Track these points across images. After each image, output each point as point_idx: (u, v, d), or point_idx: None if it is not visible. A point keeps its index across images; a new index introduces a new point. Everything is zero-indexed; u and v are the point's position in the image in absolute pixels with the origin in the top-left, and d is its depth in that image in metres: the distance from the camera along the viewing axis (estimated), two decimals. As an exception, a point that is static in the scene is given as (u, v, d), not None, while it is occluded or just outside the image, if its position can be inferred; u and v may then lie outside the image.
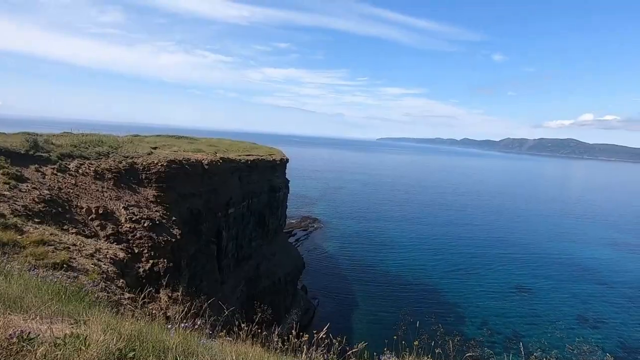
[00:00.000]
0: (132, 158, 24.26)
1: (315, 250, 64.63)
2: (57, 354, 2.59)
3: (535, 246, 73.85)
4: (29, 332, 2.80)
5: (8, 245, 7.82)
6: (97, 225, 18.33)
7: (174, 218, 23.99)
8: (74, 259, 9.59)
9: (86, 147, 23.03)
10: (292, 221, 75.10)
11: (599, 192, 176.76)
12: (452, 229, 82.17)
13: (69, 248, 10.27)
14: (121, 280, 10.63)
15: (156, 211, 23.03)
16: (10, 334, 2.62)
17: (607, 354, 6.79)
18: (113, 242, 16.98)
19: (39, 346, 2.70)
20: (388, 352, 4.76)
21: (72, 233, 14.35)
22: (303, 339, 4.65)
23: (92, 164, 21.47)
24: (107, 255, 11.16)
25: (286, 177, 45.56)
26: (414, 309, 42.49)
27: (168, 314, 9.32)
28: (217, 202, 30.25)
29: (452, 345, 4.78)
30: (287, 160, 43.87)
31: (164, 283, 17.27)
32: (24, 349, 2.69)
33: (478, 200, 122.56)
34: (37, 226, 11.27)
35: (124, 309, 7.30)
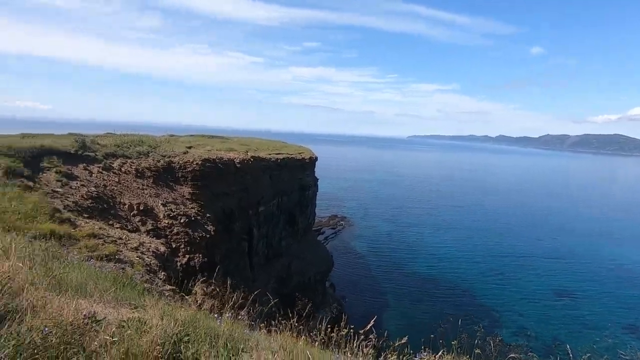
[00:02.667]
0: (169, 157, 25.37)
1: (344, 249, 64.61)
2: (123, 335, 2.83)
3: (582, 250, 69.79)
4: (97, 314, 3.07)
5: (65, 238, 8.46)
6: (138, 221, 19.33)
7: (208, 215, 24.85)
8: (121, 251, 10.22)
9: (128, 147, 24.31)
10: (321, 219, 75.46)
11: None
12: (490, 231, 79.02)
13: (116, 241, 10.94)
14: (163, 273, 11.20)
15: (192, 208, 23.95)
16: (84, 315, 2.89)
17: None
18: (153, 237, 17.86)
19: (107, 327, 2.96)
20: (425, 350, 4.75)
21: (117, 227, 15.25)
22: (341, 333, 4.73)
23: (133, 163, 22.64)
24: (150, 249, 11.77)
25: (315, 175, 45.85)
26: (448, 312, 41.53)
27: (204, 307, 9.72)
28: (249, 200, 30.97)
29: (493, 345, 4.69)
30: (316, 158, 44.13)
31: (200, 277, 17.98)
32: (93, 329, 2.96)
33: (520, 200, 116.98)
34: (87, 220, 12.07)
35: (167, 299, 7.71)
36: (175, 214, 21.88)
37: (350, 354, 4.08)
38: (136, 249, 11.32)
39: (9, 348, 2.41)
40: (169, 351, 2.87)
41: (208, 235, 23.67)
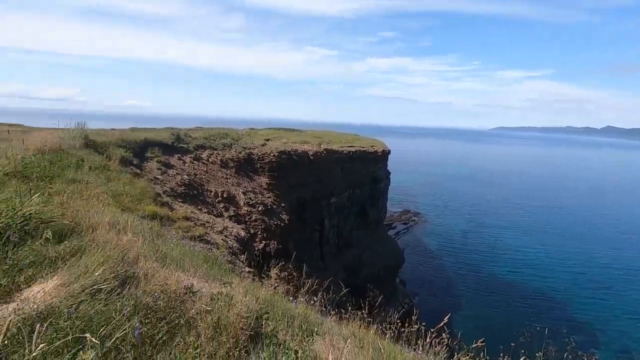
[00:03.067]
0: (249, 149, 27.21)
1: (416, 245, 62.55)
2: (215, 306, 3.21)
3: None
4: (193, 286, 3.53)
5: (164, 219, 9.70)
6: (222, 207, 21.18)
7: (283, 204, 26.16)
8: (208, 234, 11.37)
9: (214, 140, 26.65)
10: (393, 214, 73.94)
11: None
12: (591, 238, 69.05)
13: (204, 225, 12.19)
14: (243, 256, 12.19)
15: (268, 197, 25.45)
16: (184, 286, 3.35)
17: None
18: (235, 222, 19.44)
19: (201, 298, 3.39)
20: (504, 358, 4.46)
21: (205, 212, 16.94)
22: (411, 328, 4.68)
23: (219, 154, 24.79)
24: (232, 233, 12.85)
25: (387, 169, 45.04)
26: (531, 322, 37.82)
27: (280, 290, 10.34)
28: (321, 191, 31.75)
29: (587, 362, 4.21)
30: (389, 151, 43.26)
31: (275, 263, 19.13)
32: (191, 299, 3.41)
33: (634, 204, 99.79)
34: (181, 205, 13.62)
35: (247, 280, 8.39)
36: (253, 202, 23.48)
37: (422, 350, 4.03)
38: (221, 232, 12.49)
39: (129, 307, 2.92)
40: (252, 325, 3.18)
41: (283, 224, 24.95)
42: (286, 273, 19.36)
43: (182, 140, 23.82)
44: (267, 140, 31.85)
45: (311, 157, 30.47)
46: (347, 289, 4.54)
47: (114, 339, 2.52)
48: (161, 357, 2.61)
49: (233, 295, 3.47)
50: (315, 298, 4.60)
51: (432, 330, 4.61)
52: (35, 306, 2.79)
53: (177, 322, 3.03)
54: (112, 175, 10.69)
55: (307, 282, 4.52)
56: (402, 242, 61.23)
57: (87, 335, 2.41)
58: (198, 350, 2.72)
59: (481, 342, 4.01)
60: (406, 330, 4.76)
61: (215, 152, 24.82)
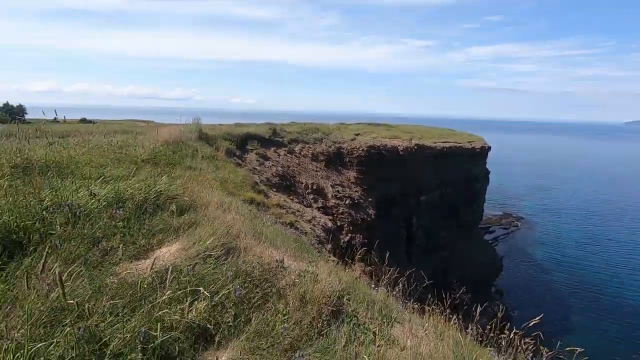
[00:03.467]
0: (339, 143, 27.86)
1: (517, 253, 56.17)
2: (302, 281, 3.54)
3: None
4: (284, 262, 3.92)
5: (260, 205, 10.70)
6: (311, 198, 22.21)
7: (370, 199, 26.22)
8: (298, 221, 12.13)
9: (306, 134, 27.97)
10: (491, 217, 67.66)
11: None
12: None
13: (295, 213, 13.03)
14: (329, 245, 12.70)
15: (355, 191, 25.77)
16: (276, 260, 3.77)
17: None
18: (322, 214, 20.24)
19: (290, 273, 3.76)
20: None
21: (296, 202, 18.02)
22: (502, 334, 4.38)
23: (310, 148, 25.97)
24: (320, 223, 13.46)
25: (487, 167, 41.38)
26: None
27: (360, 277, 10.53)
28: (410, 188, 30.84)
29: None
30: (489, 148, 39.64)
31: (359, 256, 19.41)
32: (281, 272, 3.80)
33: None
34: (275, 193, 14.76)
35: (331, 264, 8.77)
36: (341, 195, 24.06)
37: (508, 353, 3.78)
38: (309, 221, 13.20)
39: (232, 272, 3.42)
40: (334, 302, 3.42)
41: (369, 219, 25.04)
42: (370, 268, 19.48)
43: (278, 135, 25.58)
44: (357, 134, 32.13)
45: (401, 153, 29.78)
46: (429, 281, 4.43)
47: (220, 295, 3.01)
48: (256, 316, 3.02)
49: (318, 273, 3.76)
50: (396, 288, 4.64)
51: (526, 339, 4.25)
52: (163, 263, 3.47)
53: (269, 290, 3.43)
54: (219, 164, 12.17)
55: (390, 270, 4.59)
56: (500, 248, 55.69)
57: (201, 289, 2.93)
58: (287, 317, 3.06)
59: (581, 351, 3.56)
60: (495, 334, 4.48)
61: (307, 145, 26.05)
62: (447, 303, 4.13)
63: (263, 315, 3.06)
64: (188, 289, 3.01)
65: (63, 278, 2.73)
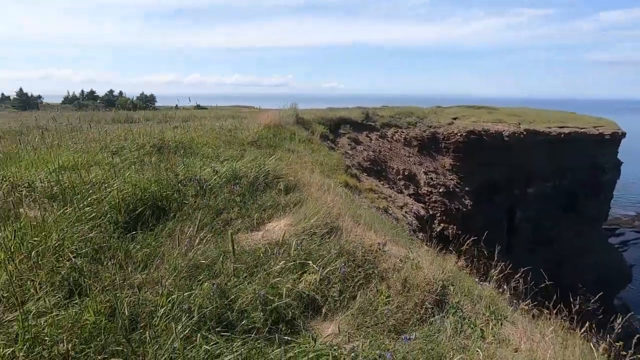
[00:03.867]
0: (434, 128, 26.34)
1: (652, 261, 46.47)
2: (403, 266, 3.50)
3: None
4: (384, 246, 3.92)
5: (353, 188, 10.83)
6: (402, 185, 21.61)
7: (467, 188, 24.38)
8: (390, 207, 11.97)
9: (399, 118, 27.06)
10: (620, 216, 56.87)
11: None
12: None
13: (387, 198, 12.87)
14: (421, 234, 12.28)
15: (451, 179, 24.22)
16: (377, 243, 3.79)
17: None
18: (414, 201, 19.58)
19: (390, 257, 3.75)
20: None
21: (387, 187, 17.77)
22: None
23: (402, 132, 25.12)
24: (412, 210, 13.08)
25: (618, 157, 34.71)
26: None
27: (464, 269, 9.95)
28: (516, 177, 27.73)
29: None
30: (623, 134, 33.04)
31: (452, 248, 18.35)
32: (382, 256, 3.82)
33: None
34: (367, 178, 14.76)
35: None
36: (435, 182, 22.89)
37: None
38: (401, 207, 12.92)
39: (336, 250, 3.56)
40: (438, 291, 3.31)
41: (464, 209, 23.40)
42: (466, 263, 18.29)
43: (370, 119, 25.29)
44: (455, 119, 29.88)
45: (506, 139, 26.81)
46: (550, 282, 3.93)
47: (326, 270, 3.16)
48: (360, 294, 3.10)
49: (419, 261, 3.67)
50: (505, 286, 4.27)
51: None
52: (274, 236, 3.79)
53: (371, 271, 3.48)
54: (314, 147, 12.64)
55: (499, 265, 4.23)
56: (630, 254, 46.63)
57: (310, 262, 3.12)
58: (389, 299, 3.08)
59: None
60: (631, 355, 3.82)
61: (399, 130, 25.26)
62: (573, 308, 3.65)
63: (367, 294, 3.13)
64: (297, 261, 3.24)
65: (196, 242, 3.19)
